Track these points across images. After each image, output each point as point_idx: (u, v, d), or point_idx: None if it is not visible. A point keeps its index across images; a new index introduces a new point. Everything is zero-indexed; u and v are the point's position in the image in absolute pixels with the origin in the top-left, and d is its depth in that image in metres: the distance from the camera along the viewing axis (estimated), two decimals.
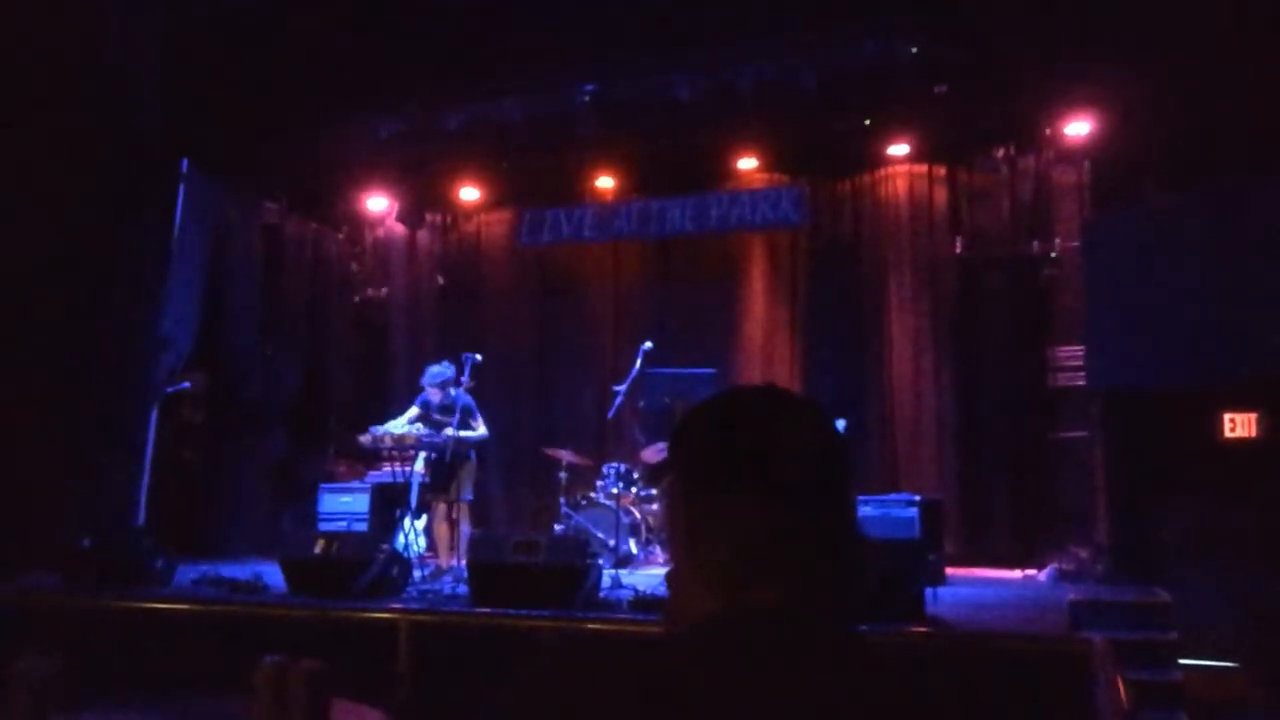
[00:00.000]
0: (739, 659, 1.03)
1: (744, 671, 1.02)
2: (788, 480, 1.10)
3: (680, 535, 1.17)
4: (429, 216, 11.39)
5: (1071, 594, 6.23)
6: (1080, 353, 8.31)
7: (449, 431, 7.64)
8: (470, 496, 8.09)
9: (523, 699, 1.07)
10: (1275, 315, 6.69)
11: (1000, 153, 9.28)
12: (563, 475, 8.58)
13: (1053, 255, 8.89)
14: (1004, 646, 4.75)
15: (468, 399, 7.92)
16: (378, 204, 11.09)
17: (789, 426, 1.14)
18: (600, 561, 6.80)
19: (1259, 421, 7.11)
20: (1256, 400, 7.09)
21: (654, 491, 8.58)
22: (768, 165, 9.92)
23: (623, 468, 8.59)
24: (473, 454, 8.07)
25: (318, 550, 6.48)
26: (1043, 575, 7.98)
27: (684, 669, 1.03)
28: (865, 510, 7.35)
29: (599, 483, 8.61)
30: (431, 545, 8.37)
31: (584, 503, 8.46)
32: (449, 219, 11.36)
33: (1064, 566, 7.95)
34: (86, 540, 6.84)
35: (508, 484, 10.50)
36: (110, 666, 5.10)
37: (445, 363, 8.12)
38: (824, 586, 1.09)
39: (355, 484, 9.33)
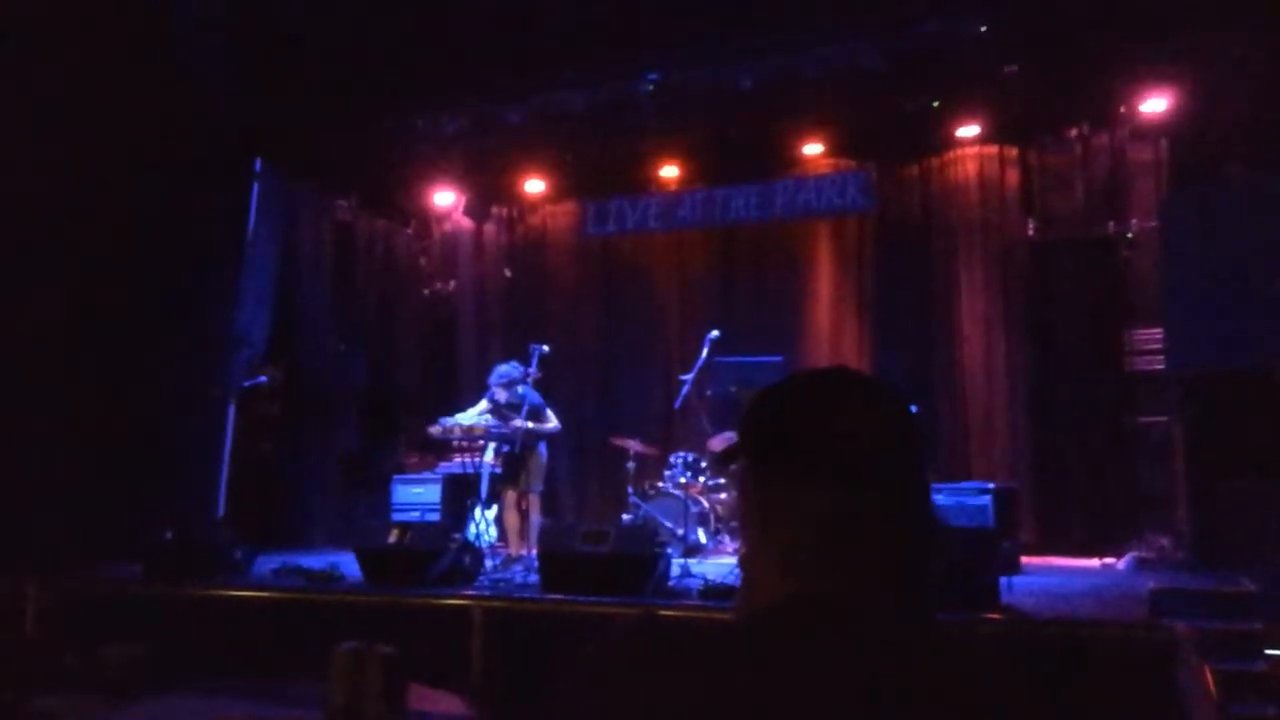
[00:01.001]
0: (809, 644, 1.02)
1: (814, 657, 1.01)
2: (859, 464, 1.09)
3: (752, 520, 1.16)
4: (495, 210, 11.48)
5: (1152, 583, 6.07)
6: (1158, 335, 8.09)
7: (517, 422, 7.70)
8: (540, 488, 8.14)
9: (595, 677, 1.07)
10: None
11: (1073, 132, 9.04)
12: (631, 465, 8.60)
13: (1129, 236, 8.66)
14: (1083, 634, 4.65)
15: (536, 396, 7.97)
16: (445, 199, 11.21)
17: (860, 409, 1.12)
18: (669, 551, 6.80)
19: None
20: None
21: (722, 480, 8.56)
22: (833, 150, 9.79)
23: (690, 457, 8.58)
24: (543, 447, 8.12)
25: (392, 540, 6.59)
26: (1121, 564, 7.79)
27: (755, 652, 1.03)
28: (938, 498, 7.25)
29: (667, 472, 8.61)
30: (502, 535, 8.46)
31: (652, 492, 8.47)
32: (515, 212, 11.44)
33: (1144, 555, 7.75)
34: (168, 532, 7.03)
35: (576, 474, 10.56)
36: (191, 652, 5.24)
37: (513, 363, 8.18)
38: (897, 572, 1.08)
39: (427, 475, 9.46)
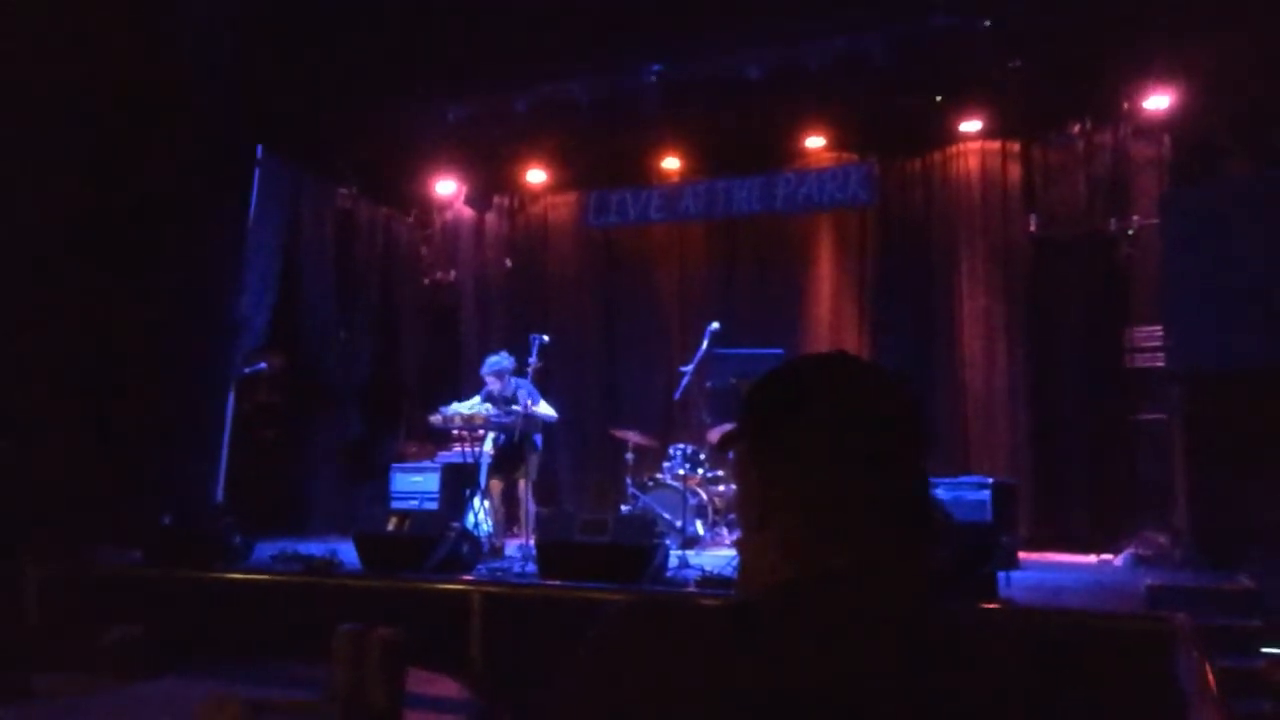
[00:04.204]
0: (810, 624, 1.03)
1: (814, 636, 1.01)
2: (858, 448, 1.09)
3: (751, 504, 1.16)
4: (497, 199, 11.47)
5: (1149, 579, 6.09)
6: (1159, 333, 8.10)
7: (517, 408, 7.72)
8: (534, 477, 8.16)
9: (593, 655, 1.07)
10: None
11: (1076, 128, 9.03)
12: (630, 456, 8.61)
13: (1130, 233, 8.66)
14: (1080, 623, 4.66)
15: (529, 386, 7.97)
16: (446, 187, 11.20)
17: (861, 393, 1.13)
18: (667, 542, 6.82)
19: None
20: None
21: (720, 473, 8.57)
22: (836, 144, 9.79)
23: (689, 449, 8.59)
24: (538, 437, 8.13)
25: (390, 527, 6.61)
26: (1119, 560, 7.81)
27: (753, 634, 1.03)
28: (936, 493, 7.26)
29: (665, 464, 8.62)
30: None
31: (651, 484, 8.48)
32: (516, 202, 11.43)
33: (1141, 551, 7.76)
34: (167, 518, 7.05)
35: (575, 465, 10.57)
36: (191, 635, 5.26)
37: (503, 353, 8.19)
38: (896, 553, 1.08)
39: (426, 464, 9.48)
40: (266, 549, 7.29)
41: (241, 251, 9.01)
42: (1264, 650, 5.53)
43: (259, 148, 9.27)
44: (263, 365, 9.16)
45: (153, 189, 7.97)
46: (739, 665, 0.99)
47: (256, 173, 9.23)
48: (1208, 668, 4.09)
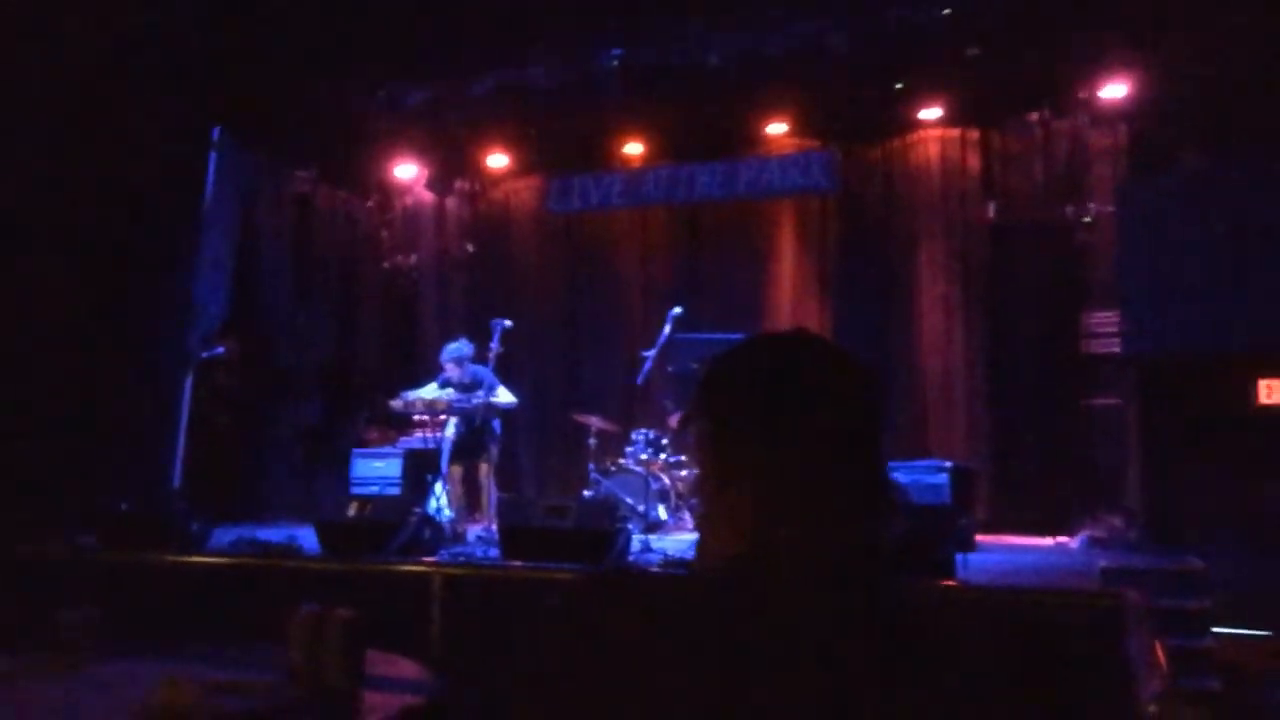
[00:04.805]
0: (760, 595, 1.04)
1: (765, 607, 1.02)
2: (817, 427, 1.10)
3: (709, 480, 1.17)
4: (457, 184, 11.39)
5: (1103, 560, 6.19)
6: (1114, 319, 8.21)
7: (479, 394, 7.69)
8: (495, 462, 8.14)
9: (548, 635, 1.07)
10: None
11: (1034, 116, 9.12)
12: (592, 441, 8.61)
13: (1087, 220, 8.78)
14: (1032, 601, 4.77)
15: (487, 372, 7.94)
16: (406, 172, 11.11)
17: (820, 373, 1.13)
18: (630, 527, 6.83)
19: None
20: None
21: (683, 458, 8.60)
22: (798, 130, 9.83)
23: (652, 434, 8.61)
24: (498, 425, 8.10)
25: (351, 513, 6.56)
26: (1074, 542, 7.93)
27: (707, 604, 1.04)
28: (895, 476, 7.34)
29: (628, 449, 8.63)
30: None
31: (613, 469, 8.49)
32: (477, 186, 11.36)
33: (1096, 534, 7.89)
34: (123, 503, 6.95)
35: (537, 450, 10.56)
36: (148, 618, 5.21)
37: (462, 339, 8.16)
38: (848, 530, 1.09)
39: (387, 449, 9.42)
40: (224, 535, 7.20)
41: (198, 235, 8.89)
42: (1213, 630, 5.65)
43: (215, 130, 9.13)
44: (220, 350, 9.04)
45: (107, 172, 7.84)
46: (691, 638, 1.00)
47: (213, 156, 9.09)
48: (1155, 643, 4.18)
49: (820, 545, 1.07)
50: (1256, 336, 6.95)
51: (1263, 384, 7.09)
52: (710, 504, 1.17)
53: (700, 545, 1.21)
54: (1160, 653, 4.15)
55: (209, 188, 9.03)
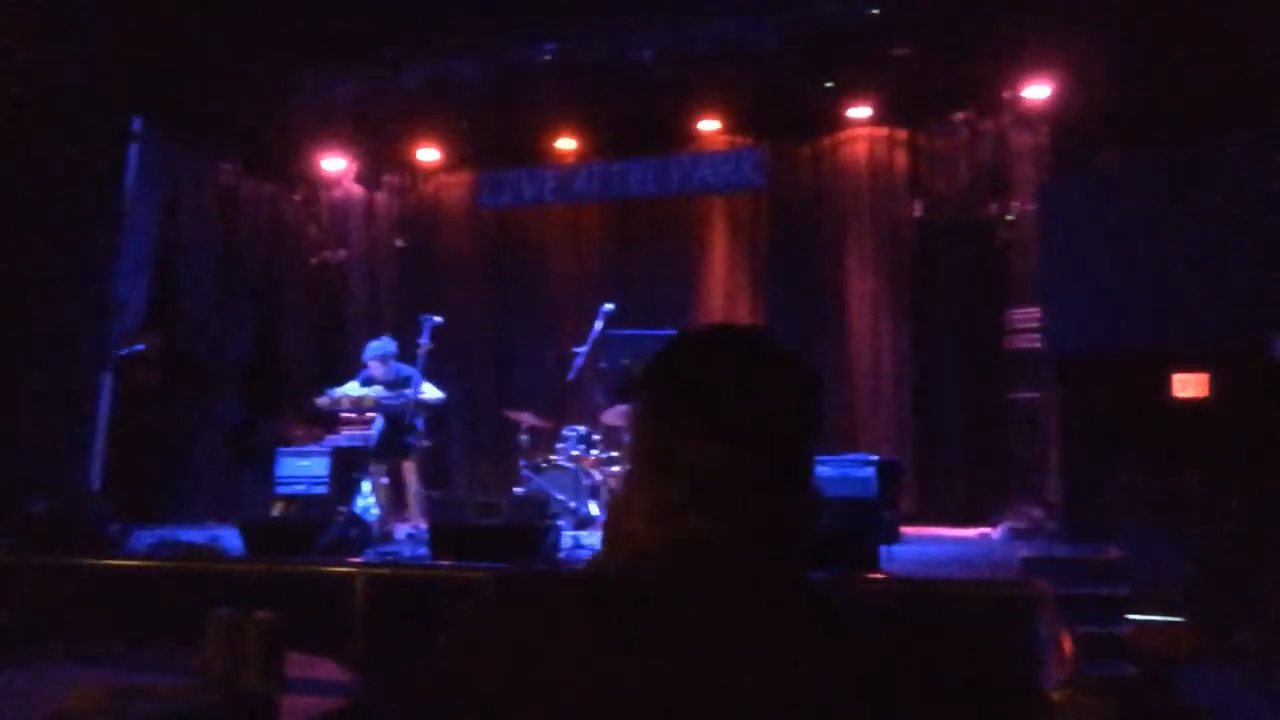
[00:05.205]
0: (675, 589, 1.03)
1: (680, 602, 1.01)
2: (750, 422, 1.09)
3: (634, 464, 1.16)
4: (387, 178, 11.25)
5: (1024, 550, 6.34)
6: (1036, 315, 8.40)
7: (408, 391, 7.61)
8: (418, 458, 8.06)
9: (459, 634, 1.06)
10: (1223, 275, 6.79)
11: (960, 116, 9.30)
12: (523, 437, 8.56)
13: (1010, 218, 8.95)
14: (949, 591, 4.90)
15: (412, 370, 7.85)
16: (335, 165, 10.93)
17: (759, 368, 1.13)
18: (560, 523, 6.82)
19: (1209, 382, 7.23)
20: (1206, 361, 7.20)
21: (614, 454, 8.59)
22: (729, 127, 9.88)
23: (583, 430, 8.59)
24: (420, 422, 8.02)
25: (276, 513, 6.46)
26: (996, 534, 8.10)
27: (620, 599, 1.03)
28: (822, 470, 7.40)
29: (559, 445, 8.59)
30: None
31: (544, 465, 8.44)
32: (408, 180, 11.23)
33: (1017, 525, 8.07)
34: (38, 504, 6.74)
35: (467, 447, 10.49)
36: (62, 622, 5.07)
37: (385, 337, 8.07)
38: (767, 526, 1.09)
39: (313, 447, 9.24)
40: (145, 537, 7.03)
41: (117, 228, 8.65)
42: (1129, 617, 5.82)
43: (135, 121, 8.89)
44: (141, 346, 8.82)
45: (21, 162, 7.60)
46: (604, 632, 0.99)
47: (133, 148, 8.86)
48: (1063, 632, 4.30)
49: (745, 540, 1.07)
50: (1169, 331, 7.14)
51: (1176, 378, 7.28)
52: (631, 489, 1.15)
53: (609, 531, 1.20)
54: (1067, 642, 4.27)
55: (129, 180, 8.79)
